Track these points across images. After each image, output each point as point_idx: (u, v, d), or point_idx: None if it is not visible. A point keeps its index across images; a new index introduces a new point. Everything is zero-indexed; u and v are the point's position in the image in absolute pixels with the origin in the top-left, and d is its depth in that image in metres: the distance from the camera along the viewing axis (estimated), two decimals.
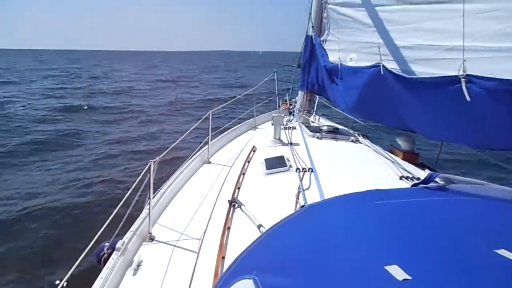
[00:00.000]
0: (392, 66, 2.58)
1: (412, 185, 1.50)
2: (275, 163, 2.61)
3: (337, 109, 4.21)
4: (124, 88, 21.17)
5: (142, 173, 2.03)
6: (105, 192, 5.62)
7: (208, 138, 3.48)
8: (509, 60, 1.84)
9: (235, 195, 2.37)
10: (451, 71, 1.96)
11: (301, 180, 2.18)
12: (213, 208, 2.39)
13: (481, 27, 1.95)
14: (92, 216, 4.75)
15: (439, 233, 0.95)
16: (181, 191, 2.84)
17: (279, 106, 5.38)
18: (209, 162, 3.43)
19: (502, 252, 0.77)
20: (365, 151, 2.99)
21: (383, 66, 2.58)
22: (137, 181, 1.97)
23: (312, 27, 4.07)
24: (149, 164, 2.06)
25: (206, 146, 3.51)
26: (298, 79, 4.72)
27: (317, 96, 4.79)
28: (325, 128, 3.50)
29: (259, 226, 1.76)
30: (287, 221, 1.20)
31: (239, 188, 2.50)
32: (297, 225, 1.18)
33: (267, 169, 2.56)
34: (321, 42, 3.93)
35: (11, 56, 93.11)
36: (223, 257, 1.69)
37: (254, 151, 3.24)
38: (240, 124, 4.57)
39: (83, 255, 1.50)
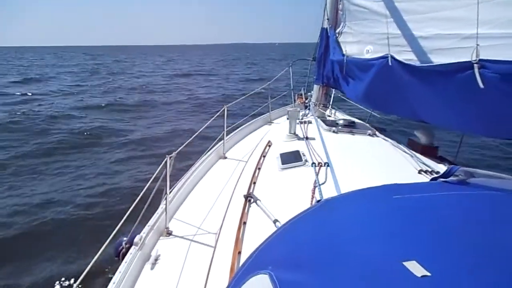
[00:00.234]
0: (409, 57, 2.53)
1: (431, 179, 1.46)
2: (291, 158, 2.60)
3: (353, 103, 4.14)
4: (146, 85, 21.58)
5: (159, 168, 2.04)
6: (123, 187, 5.73)
7: (224, 133, 3.49)
8: None
9: (251, 190, 2.37)
10: (465, 59, 1.90)
11: (317, 174, 2.16)
12: (229, 203, 2.40)
13: (496, 15, 1.89)
14: (110, 211, 4.85)
15: (459, 228, 0.92)
16: (197, 186, 2.87)
17: (294, 101, 5.33)
18: (225, 157, 3.44)
19: None
20: (382, 145, 2.93)
21: (391, 56, 2.55)
22: (153, 176, 1.99)
23: (328, 19, 4.01)
24: (165, 160, 2.08)
25: (222, 141, 3.52)
26: (314, 73, 4.67)
27: (333, 90, 4.73)
28: (341, 122, 3.46)
29: (275, 221, 1.76)
30: (303, 216, 1.18)
31: (254, 183, 2.50)
32: (313, 220, 1.17)
33: (282, 163, 2.55)
34: (336, 35, 3.88)
35: (38, 53, 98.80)
36: (239, 252, 1.70)
37: (269, 146, 3.23)
38: (256, 119, 4.56)
39: (101, 249, 1.52)
